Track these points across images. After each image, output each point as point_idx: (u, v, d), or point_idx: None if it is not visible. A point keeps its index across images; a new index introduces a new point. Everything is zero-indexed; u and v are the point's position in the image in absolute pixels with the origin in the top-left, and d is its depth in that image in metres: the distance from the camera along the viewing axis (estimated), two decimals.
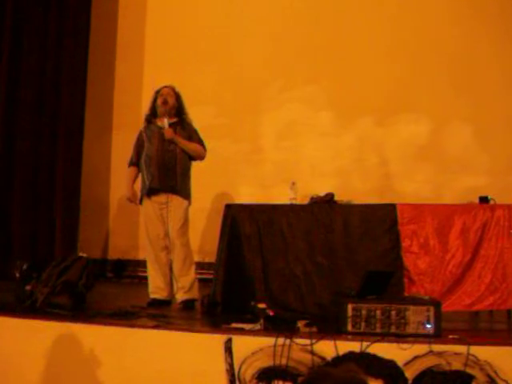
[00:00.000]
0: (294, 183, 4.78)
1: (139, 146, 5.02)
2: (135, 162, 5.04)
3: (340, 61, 6.46)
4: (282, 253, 4.48)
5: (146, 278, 5.04)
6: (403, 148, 6.41)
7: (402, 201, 4.60)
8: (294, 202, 4.70)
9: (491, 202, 4.54)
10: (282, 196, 4.90)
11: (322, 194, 4.71)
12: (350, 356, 3.41)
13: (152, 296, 4.83)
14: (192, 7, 6.91)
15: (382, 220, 4.41)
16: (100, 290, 5.02)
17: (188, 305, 4.74)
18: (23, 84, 6.55)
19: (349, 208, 4.55)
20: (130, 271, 6.68)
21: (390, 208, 4.40)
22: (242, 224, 4.54)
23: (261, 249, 4.49)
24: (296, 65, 6.55)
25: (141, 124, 5.14)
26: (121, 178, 5.53)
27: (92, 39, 6.86)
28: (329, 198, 4.65)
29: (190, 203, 4.90)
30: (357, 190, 6.05)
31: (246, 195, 6.21)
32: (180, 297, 4.80)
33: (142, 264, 5.83)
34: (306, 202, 4.73)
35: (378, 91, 6.31)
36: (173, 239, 4.81)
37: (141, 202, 4.95)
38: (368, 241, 4.38)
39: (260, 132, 6.74)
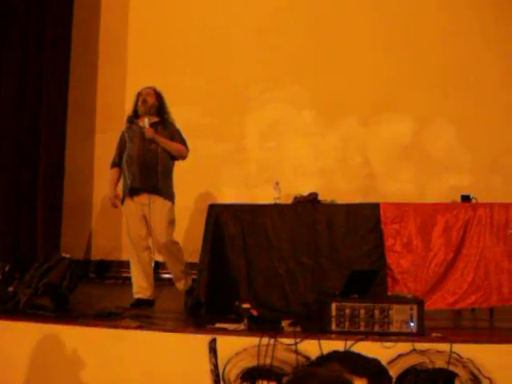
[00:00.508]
0: (277, 183, 4.78)
1: (121, 147, 5.00)
2: (118, 163, 5.02)
3: (324, 61, 6.46)
4: (265, 252, 4.47)
5: (129, 279, 5.03)
6: (387, 148, 6.44)
7: (386, 200, 4.62)
8: (277, 201, 4.70)
9: (473, 201, 4.57)
10: (265, 196, 4.90)
11: (305, 193, 4.71)
12: (335, 355, 3.42)
13: (136, 296, 4.82)
14: (176, 8, 6.85)
15: (365, 219, 4.42)
16: (83, 290, 4.99)
17: (191, 292, 4.82)
18: (3, 83, 6.47)
19: (332, 207, 4.55)
20: (113, 272, 6.63)
21: (374, 207, 4.41)
22: (225, 224, 4.53)
23: (244, 249, 4.48)
24: (280, 65, 6.54)
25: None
26: (104, 179, 5.49)
27: (74, 41, 6.77)
28: (312, 198, 4.65)
29: (173, 203, 4.89)
30: (341, 190, 6.06)
31: (230, 195, 6.20)
32: (182, 286, 4.93)
33: (125, 265, 5.79)
34: (289, 201, 4.73)
35: (362, 91, 6.33)
36: (160, 242, 4.80)
37: (122, 201, 4.93)
38: (352, 240, 4.39)
39: (244, 132, 6.72)
